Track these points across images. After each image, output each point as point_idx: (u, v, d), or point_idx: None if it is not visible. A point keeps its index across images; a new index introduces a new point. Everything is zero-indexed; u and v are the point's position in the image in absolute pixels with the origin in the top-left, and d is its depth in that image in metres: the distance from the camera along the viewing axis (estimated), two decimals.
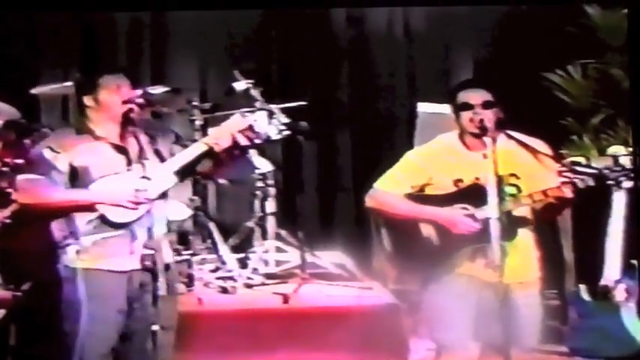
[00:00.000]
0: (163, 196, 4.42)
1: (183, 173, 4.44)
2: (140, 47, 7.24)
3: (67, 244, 4.39)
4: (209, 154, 4.43)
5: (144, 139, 4.45)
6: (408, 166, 4.59)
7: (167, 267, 4.39)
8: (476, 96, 4.49)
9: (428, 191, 4.54)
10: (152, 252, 4.30)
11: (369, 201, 4.61)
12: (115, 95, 4.39)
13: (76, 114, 4.55)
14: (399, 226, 4.54)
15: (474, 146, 4.50)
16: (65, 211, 4.38)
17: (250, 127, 4.45)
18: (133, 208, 4.32)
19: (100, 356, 4.40)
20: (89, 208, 4.35)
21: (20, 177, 4.48)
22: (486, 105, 4.47)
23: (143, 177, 4.36)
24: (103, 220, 4.36)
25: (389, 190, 4.56)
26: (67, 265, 4.40)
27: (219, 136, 4.42)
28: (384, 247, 4.57)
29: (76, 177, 4.38)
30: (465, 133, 4.53)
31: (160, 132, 4.53)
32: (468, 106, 4.47)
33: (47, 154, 4.39)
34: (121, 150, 4.43)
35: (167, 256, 4.43)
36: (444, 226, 4.47)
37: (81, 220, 4.37)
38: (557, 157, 4.54)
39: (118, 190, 4.34)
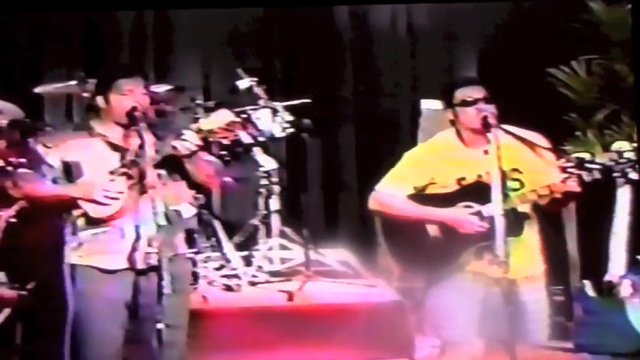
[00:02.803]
0: (148, 189, 4.39)
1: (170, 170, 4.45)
2: (143, 46, 7.24)
3: (67, 240, 4.40)
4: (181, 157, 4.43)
5: (148, 139, 4.45)
6: (409, 167, 4.57)
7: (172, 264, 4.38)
8: (475, 91, 4.49)
9: (430, 190, 4.52)
10: (156, 250, 4.29)
11: (372, 203, 4.59)
12: (125, 99, 4.41)
13: (82, 111, 4.56)
14: (403, 225, 4.53)
15: (473, 143, 4.50)
16: (53, 207, 4.42)
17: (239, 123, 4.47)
18: (106, 204, 4.33)
19: (106, 355, 4.39)
20: (72, 204, 4.37)
21: (17, 171, 4.53)
22: (487, 100, 4.47)
23: (124, 173, 4.36)
24: (86, 216, 4.37)
25: (391, 191, 4.54)
26: (66, 262, 4.42)
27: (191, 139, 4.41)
28: (395, 243, 4.56)
29: (70, 173, 4.40)
30: (465, 130, 4.52)
31: (172, 133, 4.53)
32: (469, 102, 4.47)
33: (40, 149, 4.43)
34: (117, 148, 4.44)
35: (170, 253, 4.42)
36: (450, 226, 4.46)
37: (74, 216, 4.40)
38: (556, 150, 4.54)
39: (92, 184, 4.34)
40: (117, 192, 4.33)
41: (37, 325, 5.39)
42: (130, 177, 4.35)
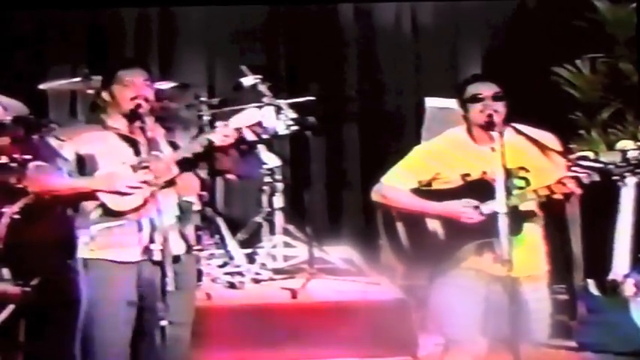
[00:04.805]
0: (168, 185, 4.39)
1: (188, 165, 4.44)
2: (148, 43, 7.26)
3: (78, 233, 4.40)
4: (218, 149, 4.43)
5: (158, 131, 4.45)
6: (415, 161, 4.57)
7: (177, 259, 4.37)
8: (485, 88, 4.49)
9: (435, 186, 4.53)
10: (160, 245, 4.27)
11: (375, 195, 4.59)
12: (127, 90, 4.41)
13: (91, 106, 4.56)
14: (405, 220, 4.54)
15: (482, 140, 4.49)
16: (68, 199, 4.41)
17: (259, 123, 4.46)
18: (129, 193, 4.33)
19: (114, 352, 4.39)
20: (90, 196, 4.36)
21: (30, 165, 4.53)
22: (496, 97, 4.47)
23: (144, 167, 4.36)
24: (104, 208, 4.37)
25: (395, 184, 4.55)
26: (77, 255, 4.41)
27: (228, 132, 4.42)
28: (398, 239, 4.56)
29: (84, 165, 4.39)
30: (474, 127, 4.52)
31: (181, 124, 4.53)
32: (478, 99, 4.47)
33: (53, 142, 4.43)
34: (130, 141, 4.44)
35: (177, 248, 4.41)
36: (451, 220, 4.46)
37: (89, 209, 4.39)
38: (565, 151, 4.53)
39: (115, 176, 4.34)
40: (139, 184, 4.33)
41: (42, 322, 5.40)
42: (149, 170, 4.35)
